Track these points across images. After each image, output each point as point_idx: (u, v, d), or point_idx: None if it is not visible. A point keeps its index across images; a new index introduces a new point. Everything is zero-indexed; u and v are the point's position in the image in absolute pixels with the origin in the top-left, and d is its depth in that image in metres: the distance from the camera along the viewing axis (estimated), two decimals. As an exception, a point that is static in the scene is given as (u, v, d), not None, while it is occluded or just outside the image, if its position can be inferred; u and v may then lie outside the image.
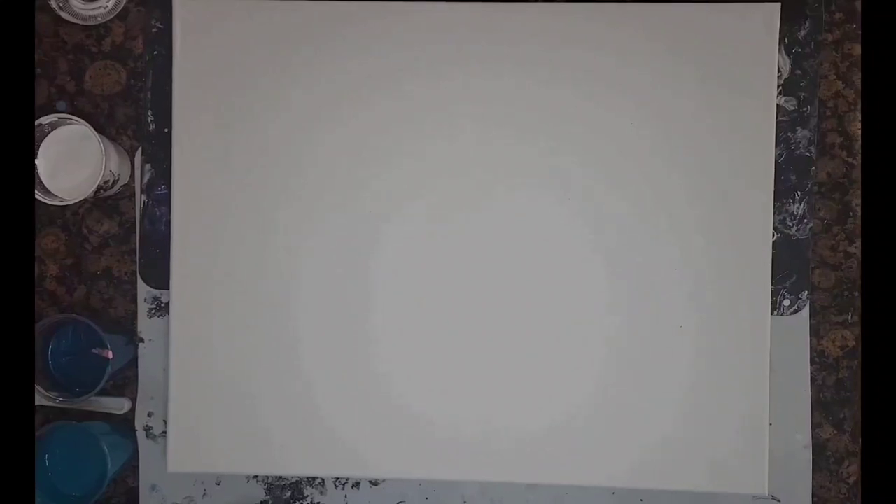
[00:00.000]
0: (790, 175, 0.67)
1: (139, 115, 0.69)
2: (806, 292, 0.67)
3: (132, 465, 0.69)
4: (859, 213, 0.67)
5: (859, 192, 0.67)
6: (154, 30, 0.69)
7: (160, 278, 0.68)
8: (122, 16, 0.69)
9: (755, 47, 0.65)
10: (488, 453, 0.66)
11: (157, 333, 0.69)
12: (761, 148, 0.66)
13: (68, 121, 0.66)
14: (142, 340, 0.69)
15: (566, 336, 0.66)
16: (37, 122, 0.65)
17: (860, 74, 0.67)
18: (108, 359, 0.65)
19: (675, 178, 0.66)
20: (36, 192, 0.65)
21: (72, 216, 0.70)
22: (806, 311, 0.67)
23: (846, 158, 0.68)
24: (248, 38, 0.67)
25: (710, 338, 0.65)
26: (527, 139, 0.66)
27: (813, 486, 0.67)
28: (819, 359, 0.68)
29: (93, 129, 0.65)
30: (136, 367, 0.69)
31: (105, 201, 0.69)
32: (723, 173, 0.65)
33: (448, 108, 0.66)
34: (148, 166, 0.69)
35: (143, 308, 0.69)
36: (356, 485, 0.68)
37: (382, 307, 0.66)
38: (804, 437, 0.67)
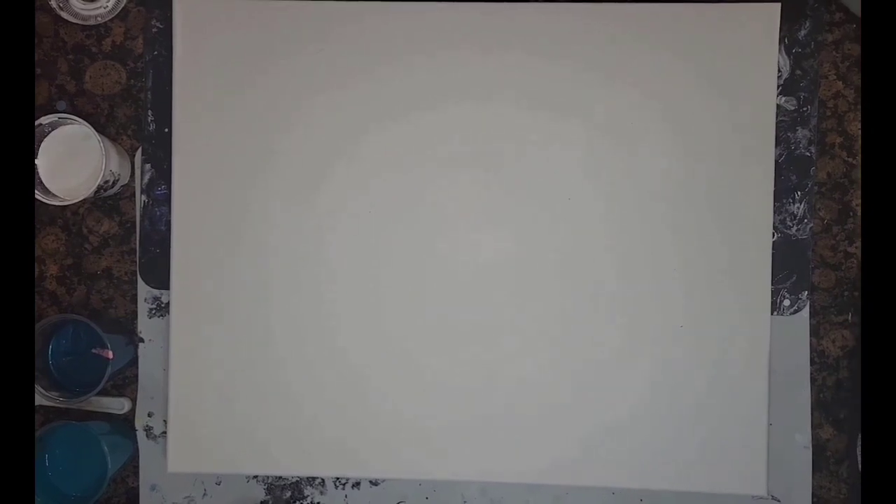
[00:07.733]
0: (790, 175, 0.67)
1: (139, 115, 0.69)
2: (806, 292, 0.67)
3: (132, 465, 0.69)
4: (859, 213, 0.67)
5: (859, 192, 0.67)
6: (154, 30, 0.69)
7: (160, 278, 0.68)
8: (122, 16, 0.69)
9: (755, 47, 0.65)
10: (488, 453, 0.66)
11: (157, 333, 0.69)
12: (761, 148, 0.66)
13: (68, 121, 0.66)
14: (142, 340, 0.69)
15: (565, 337, 0.66)
16: (37, 122, 0.65)
17: (860, 74, 0.67)
18: (108, 359, 0.65)
19: (674, 178, 0.66)
20: (36, 192, 0.65)
21: (72, 216, 0.70)
22: (806, 311, 0.67)
23: (846, 158, 0.68)
24: (248, 38, 0.67)
25: (710, 338, 0.66)
26: (527, 141, 0.66)
27: (813, 486, 0.67)
28: (819, 359, 0.68)
29: (93, 129, 0.65)
30: (136, 367, 0.69)
31: (105, 201, 0.69)
32: (723, 173, 0.66)
33: (450, 106, 0.66)
34: (148, 166, 0.69)
35: (143, 308, 0.69)
36: (356, 485, 0.68)
37: (386, 308, 0.66)
38: (804, 437, 0.67)
